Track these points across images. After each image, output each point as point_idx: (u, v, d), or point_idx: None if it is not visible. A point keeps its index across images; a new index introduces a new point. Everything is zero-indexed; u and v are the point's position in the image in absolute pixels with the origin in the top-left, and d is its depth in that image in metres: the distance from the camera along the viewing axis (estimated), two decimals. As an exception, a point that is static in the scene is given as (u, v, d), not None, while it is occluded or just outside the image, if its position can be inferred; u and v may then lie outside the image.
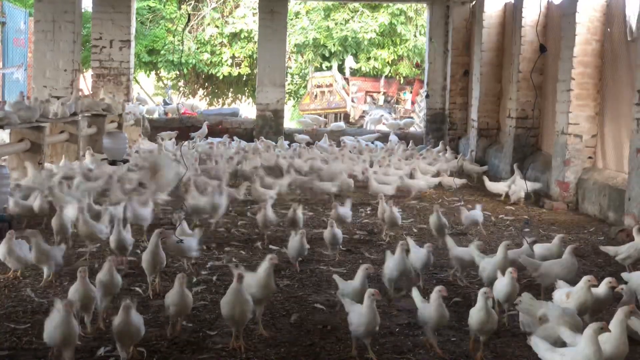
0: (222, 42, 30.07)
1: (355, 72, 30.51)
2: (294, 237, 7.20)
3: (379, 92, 29.96)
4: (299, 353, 5.04)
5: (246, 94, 32.03)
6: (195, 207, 8.82)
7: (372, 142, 18.28)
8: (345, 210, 8.79)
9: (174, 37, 28.85)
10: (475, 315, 4.99)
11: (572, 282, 5.86)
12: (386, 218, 8.58)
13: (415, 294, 5.41)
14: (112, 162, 12.61)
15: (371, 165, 13.15)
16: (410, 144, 17.15)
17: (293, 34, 29.16)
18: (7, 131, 11.83)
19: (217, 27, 29.90)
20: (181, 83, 32.21)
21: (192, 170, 11.30)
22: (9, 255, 6.36)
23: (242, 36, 29.61)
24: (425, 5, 22.23)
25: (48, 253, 6.36)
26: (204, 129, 18.58)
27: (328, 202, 10.76)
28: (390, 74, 29.73)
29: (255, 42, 25.90)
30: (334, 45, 29.30)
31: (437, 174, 13.12)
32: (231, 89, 32.12)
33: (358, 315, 4.93)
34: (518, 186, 11.66)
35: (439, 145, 16.88)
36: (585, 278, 5.46)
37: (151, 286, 6.27)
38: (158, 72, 31.37)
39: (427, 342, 5.19)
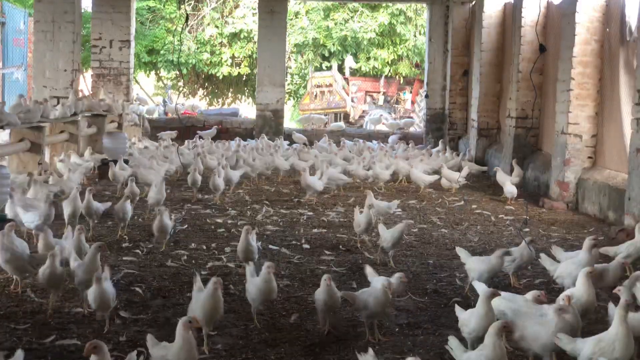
0: (222, 42, 30.08)
1: (355, 72, 30.52)
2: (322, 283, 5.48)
3: (378, 92, 29.98)
4: (299, 353, 5.04)
5: (246, 93, 32.06)
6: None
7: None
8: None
9: (173, 37, 28.86)
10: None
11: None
12: (383, 241, 7.40)
13: None
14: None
15: (369, 169, 13.21)
16: (410, 144, 17.16)
17: (293, 34, 29.17)
18: (7, 131, 11.84)
19: (216, 27, 29.91)
20: (181, 83, 32.23)
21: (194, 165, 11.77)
22: (5, 252, 6.07)
23: (242, 36, 29.62)
24: (425, 5, 22.23)
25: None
26: (213, 130, 18.60)
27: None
28: (390, 74, 29.74)
29: (255, 42, 25.90)
30: (333, 45, 29.31)
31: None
32: (231, 89, 32.14)
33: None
34: (513, 184, 11.81)
35: (439, 145, 16.89)
36: (583, 270, 5.37)
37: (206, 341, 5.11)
38: (158, 72, 31.38)
39: None
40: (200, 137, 17.32)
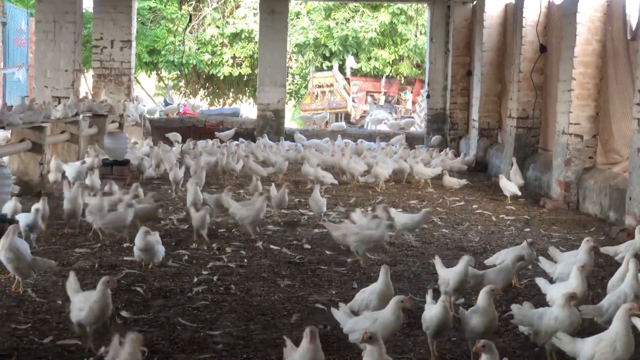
0: (223, 42, 30.09)
1: (356, 72, 30.51)
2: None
3: (379, 92, 29.97)
4: (300, 353, 5.04)
5: (247, 94, 32.07)
6: None
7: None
8: None
9: (174, 37, 28.87)
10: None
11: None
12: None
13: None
14: (113, 162, 12.61)
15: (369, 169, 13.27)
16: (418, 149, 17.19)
17: (294, 34, 29.16)
18: (9, 131, 11.84)
19: (217, 27, 29.91)
20: (182, 83, 32.24)
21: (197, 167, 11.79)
22: (8, 252, 6.08)
23: (243, 36, 29.63)
24: (426, 5, 22.23)
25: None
26: (232, 132, 18.58)
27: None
28: (391, 74, 29.74)
29: (256, 42, 25.92)
30: (334, 45, 29.31)
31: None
32: (232, 89, 32.15)
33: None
34: (512, 182, 11.89)
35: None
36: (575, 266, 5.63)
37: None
38: (159, 72, 31.39)
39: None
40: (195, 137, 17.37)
